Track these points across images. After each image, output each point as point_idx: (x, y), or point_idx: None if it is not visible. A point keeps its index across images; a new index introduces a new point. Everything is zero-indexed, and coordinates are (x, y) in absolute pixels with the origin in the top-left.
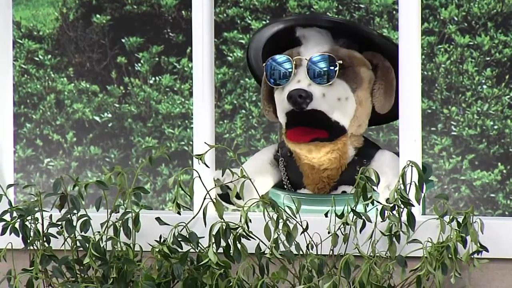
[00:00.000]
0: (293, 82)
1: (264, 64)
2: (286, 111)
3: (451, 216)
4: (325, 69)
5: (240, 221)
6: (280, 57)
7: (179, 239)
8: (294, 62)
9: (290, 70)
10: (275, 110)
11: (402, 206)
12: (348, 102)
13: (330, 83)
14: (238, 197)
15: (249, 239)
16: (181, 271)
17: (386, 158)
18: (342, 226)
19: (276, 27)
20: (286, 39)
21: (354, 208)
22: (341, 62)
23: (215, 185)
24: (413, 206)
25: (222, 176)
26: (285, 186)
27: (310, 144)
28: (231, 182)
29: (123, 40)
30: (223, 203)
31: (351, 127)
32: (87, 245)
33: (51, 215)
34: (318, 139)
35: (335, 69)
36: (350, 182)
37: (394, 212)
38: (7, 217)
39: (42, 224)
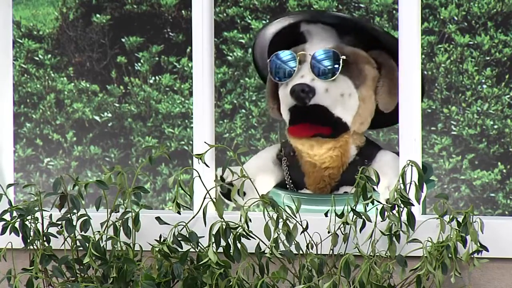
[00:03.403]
0: (297, 77)
1: (269, 60)
2: (289, 107)
3: (451, 216)
4: (328, 65)
5: (240, 220)
6: (284, 54)
7: (179, 239)
8: (298, 58)
9: (294, 67)
10: (279, 107)
11: (402, 205)
12: (351, 98)
13: (333, 78)
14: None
15: (249, 239)
16: (181, 270)
17: (388, 159)
18: (342, 225)
19: (281, 23)
20: (292, 35)
21: (354, 208)
22: (345, 58)
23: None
24: (413, 205)
25: (223, 175)
26: (287, 186)
27: (312, 140)
28: (231, 182)
29: (123, 40)
30: (224, 199)
31: (354, 124)
32: (87, 244)
33: (51, 214)
34: (321, 135)
35: (339, 65)
36: (351, 182)
37: (394, 211)
38: (7, 216)
39: (42, 224)
